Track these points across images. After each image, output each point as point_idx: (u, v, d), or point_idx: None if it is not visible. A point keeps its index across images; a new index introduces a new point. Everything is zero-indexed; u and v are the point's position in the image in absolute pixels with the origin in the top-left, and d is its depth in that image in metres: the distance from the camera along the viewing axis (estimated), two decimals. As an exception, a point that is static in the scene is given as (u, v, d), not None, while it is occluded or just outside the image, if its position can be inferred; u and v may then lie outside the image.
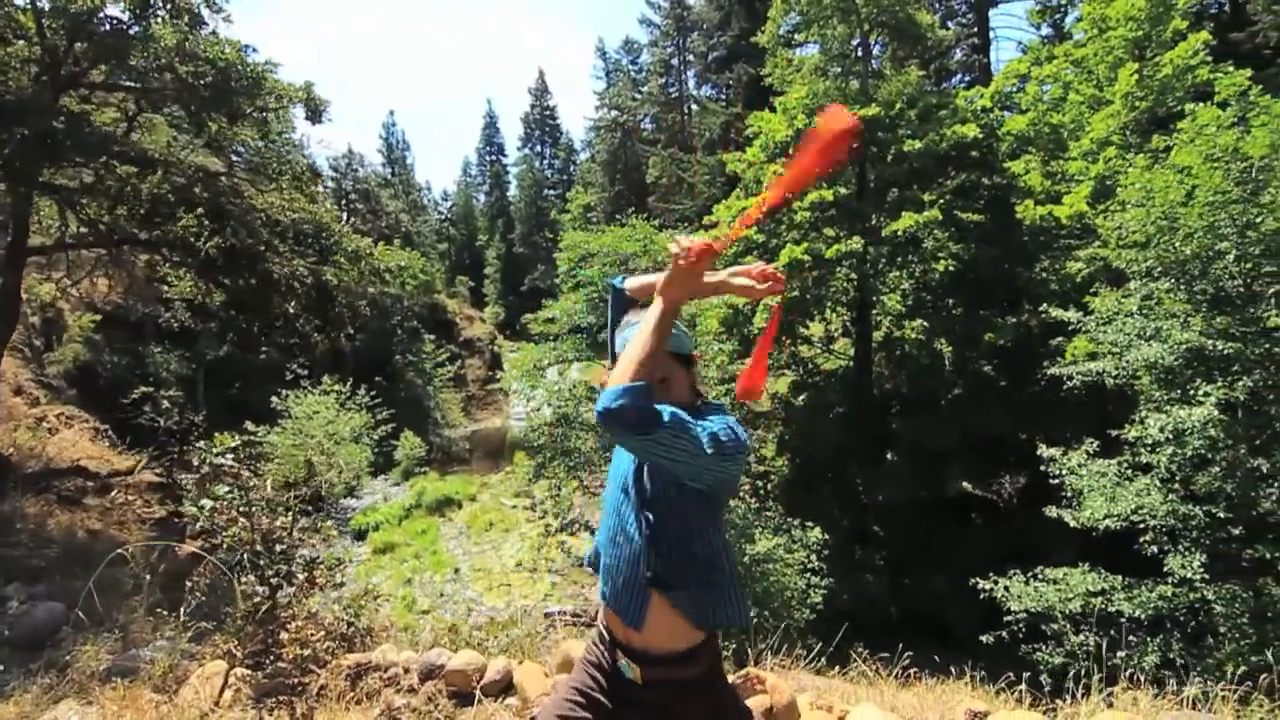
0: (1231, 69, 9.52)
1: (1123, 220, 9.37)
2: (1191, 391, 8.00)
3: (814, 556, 11.00)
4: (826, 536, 11.66)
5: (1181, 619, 8.13)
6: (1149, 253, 8.89)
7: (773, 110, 15.51)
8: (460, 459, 26.84)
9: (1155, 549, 7.78)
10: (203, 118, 11.19)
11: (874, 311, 14.23)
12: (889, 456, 14.32)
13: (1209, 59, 10.32)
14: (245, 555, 3.37)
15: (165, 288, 13.95)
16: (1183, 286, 8.73)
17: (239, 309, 13.08)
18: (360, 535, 17.23)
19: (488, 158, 64.50)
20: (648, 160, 39.83)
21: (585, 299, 11.95)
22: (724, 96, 38.20)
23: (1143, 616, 7.85)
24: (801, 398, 15.89)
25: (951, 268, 11.80)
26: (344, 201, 36.38)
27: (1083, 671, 9.63)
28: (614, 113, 45.71)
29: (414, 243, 36.56)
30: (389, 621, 4.92)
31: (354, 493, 19.51)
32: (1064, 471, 8.89)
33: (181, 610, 3.96)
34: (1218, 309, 8.48)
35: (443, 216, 66.12)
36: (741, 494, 13.63)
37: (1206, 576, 7.33)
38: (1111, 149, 10.89)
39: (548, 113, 61.24)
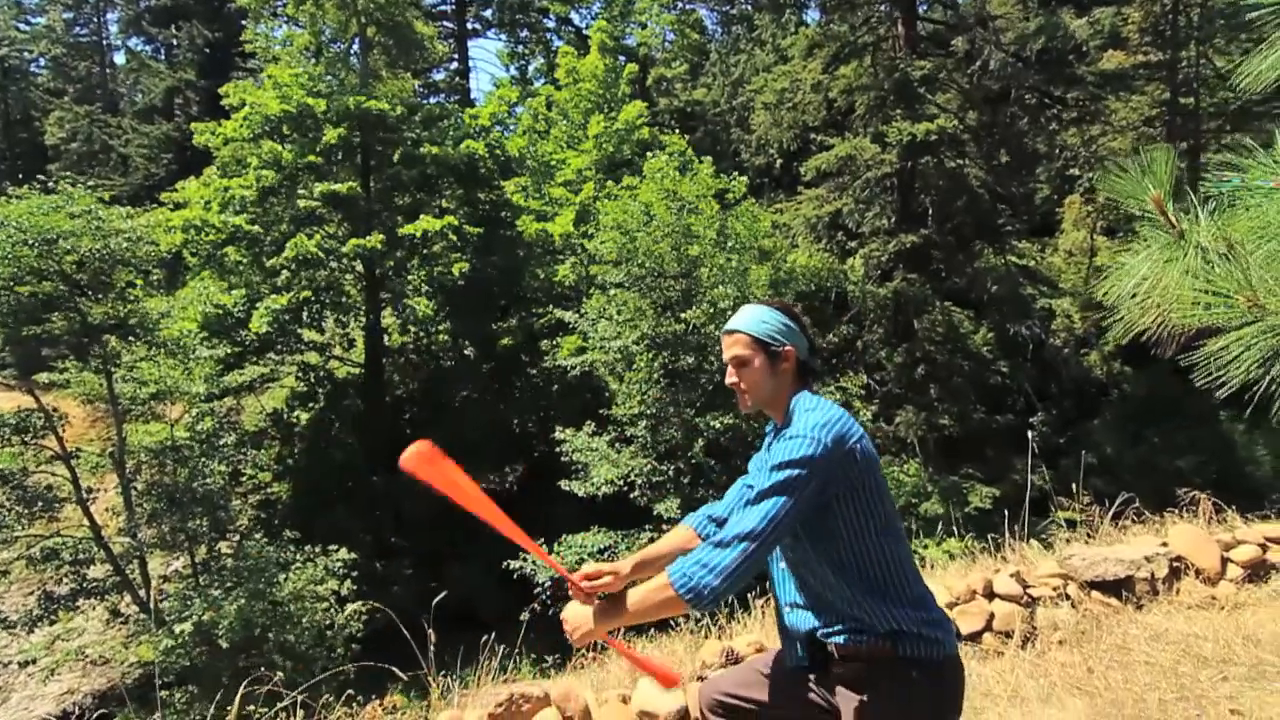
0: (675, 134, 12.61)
1: (603, 239, 11.40)
2: (641, 364, 10.34)
3: (346, 583, 10.00)
4: (354, 555, 10.74)
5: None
6: (619, 269, 11.11)
7: (256, 83, 13.47)
8: None
9: (645, 500, 9.71)
10: None
11: (389, 314, 13.78)
12: (408, 462, 14.05)
13: (649, 122, 13.48)
14: None
15: None
16: (642, 295, 11.15)
17: None
18: None
19: None
20: (47, 115, 29.81)
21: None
22: (166, 57, 31.42)
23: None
24: (304, 412, 14.24)
25: (464, 271, 12.29)
26: None
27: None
28: (-17, 40, 32.64)
29: None
30: None
31: None
32: (571, 450, 10.59)
33: None
34: (666, 312, 11.13)
35: None
36: (244, 531, 11.48)
37: (678, 515, 9.53)
38: (590, 183, 13.11)
39: None
